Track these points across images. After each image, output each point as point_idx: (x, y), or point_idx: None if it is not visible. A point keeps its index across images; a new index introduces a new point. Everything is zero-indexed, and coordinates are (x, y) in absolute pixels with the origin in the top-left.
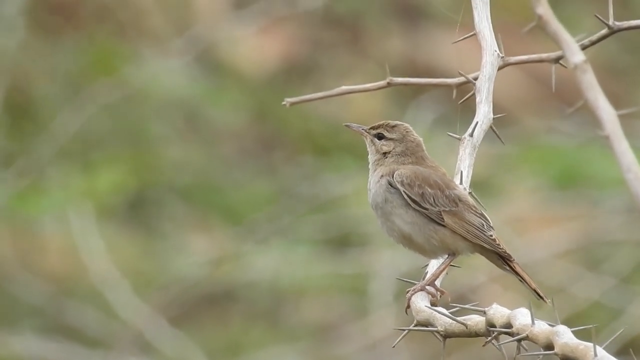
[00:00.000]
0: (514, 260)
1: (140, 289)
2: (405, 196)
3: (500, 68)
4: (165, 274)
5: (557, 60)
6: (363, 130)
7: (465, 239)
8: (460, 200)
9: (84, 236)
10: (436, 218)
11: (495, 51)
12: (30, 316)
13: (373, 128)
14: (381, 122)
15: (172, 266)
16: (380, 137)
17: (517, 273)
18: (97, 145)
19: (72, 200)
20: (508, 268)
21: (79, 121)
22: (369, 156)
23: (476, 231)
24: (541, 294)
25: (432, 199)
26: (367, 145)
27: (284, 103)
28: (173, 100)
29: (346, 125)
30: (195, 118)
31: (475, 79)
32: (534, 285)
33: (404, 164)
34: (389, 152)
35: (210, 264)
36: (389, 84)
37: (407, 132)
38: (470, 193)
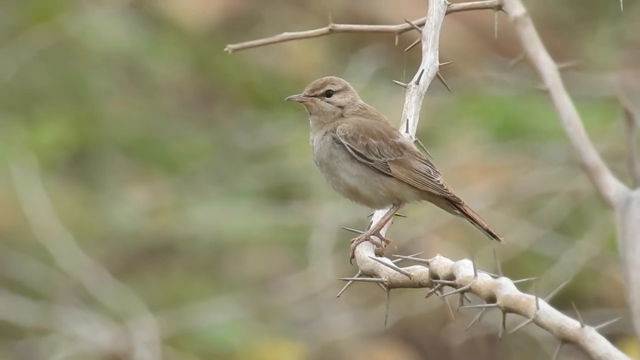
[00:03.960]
0: (463, 203)
1: (83, 242)
2: (350, 150)
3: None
4: (107, 226)
5: (499, 7)
6: (306, 97)
7: (412, 187)
8: (404, 148)
9: (27, 189)
10: (382, 169)
11: None
12: None
13: (314, 90)
14: (318, 81)
15: (114, 218)
16: (329, 94)
17: (467, 215)
18: (39, 99)
19: (14, 153)
20: (458, 212)
21: (15, 68)
22: (315, 117)
23: (423, 178)
24: (494, 233)
25: (377, 150)
26: (312, 108)
27: (226, 49)
28: (113, 53)
29: (288, 99)
30: (135, 71)
31: (421, 26)
32: (486, 226)
33: (353, 115)
34: (348, 104)
35: (150, 215)
36: (331, 31)
37: (342, 81)
38: (415, 141)
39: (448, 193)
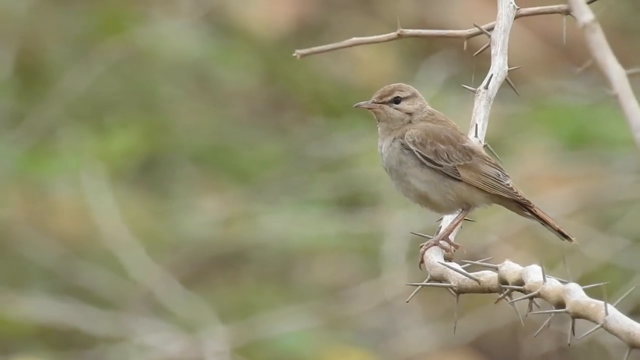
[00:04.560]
0: (533, 205)
1: (152, 250)
2: (419, 155)
3: None
4: (177, 234)
5: (567, 12)
6: (374, 104)
7: (482, 190)
8: (473, 152)
9: (96, 198)
10: (452, 173)
11: (511, 3)
12: (42, 278)
13: (382, 96)
14: (386, 88)
15: (184, 227)
16: (397, 100)
17: (538, 217)
18: (109, 108)
19: (84, 162)
20: (529, 214)
21: (88, 80)
22: (383, 124)
23: (493, 182)
24: (566, 234)
25: (445, 155)
26: (380, 115)
27: (294, 55)
28: (183, 62)
29: (356, 106)
30: (205, 79)
31: (490, 30)
32: (557, 226)
33: (421, 121)
34: (417, 110)
35: (221, 224)
36: (399, 36)
37: (411, 87)
38: (485, 145)
39: (517, 196)
